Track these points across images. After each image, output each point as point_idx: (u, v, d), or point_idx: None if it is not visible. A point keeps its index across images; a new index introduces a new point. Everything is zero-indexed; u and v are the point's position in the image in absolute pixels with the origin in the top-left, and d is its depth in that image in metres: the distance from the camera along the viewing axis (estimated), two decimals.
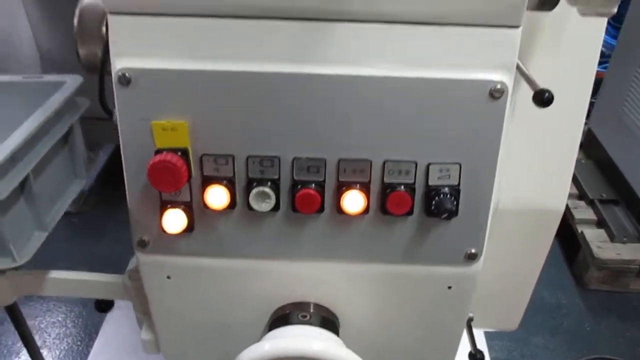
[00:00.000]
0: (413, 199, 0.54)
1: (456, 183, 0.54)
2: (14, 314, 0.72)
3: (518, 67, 0.61)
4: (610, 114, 1.79)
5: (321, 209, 0.54)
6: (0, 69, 1.77)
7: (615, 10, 0.54)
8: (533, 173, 0.73)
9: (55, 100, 0.60)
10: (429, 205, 0.54)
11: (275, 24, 0.50)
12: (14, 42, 1.70)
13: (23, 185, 0.56)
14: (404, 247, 0.57)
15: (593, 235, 1.60)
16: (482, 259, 0.58)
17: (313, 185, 0.54)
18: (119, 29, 0.50)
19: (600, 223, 1.65)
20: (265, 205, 0.54)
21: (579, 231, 1.63)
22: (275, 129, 0.52)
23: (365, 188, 0.54)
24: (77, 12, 0.62)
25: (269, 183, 0.54)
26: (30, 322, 1.45)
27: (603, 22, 0.67)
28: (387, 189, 0.54)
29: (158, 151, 0.53)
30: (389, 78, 0.50)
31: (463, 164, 0.53)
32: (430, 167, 0.53)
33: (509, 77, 0.51)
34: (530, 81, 0.58)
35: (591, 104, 1.96)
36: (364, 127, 0.52)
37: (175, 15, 0.49)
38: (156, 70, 0.51)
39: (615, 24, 1.99)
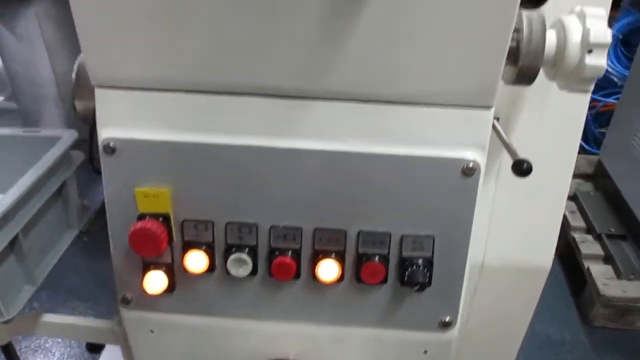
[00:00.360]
0: (387, 269, 0.55)
1: (429, 255, 0.55)
2: (9, 353, 0.74)
3: (498, 135, 0.62)
4: (620, 146, 1.77)
5: (297, 276, 0.56)
6: (17, 90, 1.83)
7: (591, 88, 0.55)
8: (519, 230, 0.73)
9: (50, 158, 0.62)
10: (402, 276, 0.55)
11: (254, 100, 0.51)
12: (30, 65, 1.75)
13: (13, 242, 0.58)
14: (378, 314, 0.58)
15: (599, 272, 1.58)
16: (457, 325, 0.59)
17: (289, 252, 0.55)
18: (105, 101, 0.53)
19: (607, 259, 1.63)
20: (243, 271, 0.56)
21: (586, 267, 1.61)
22: (253, 199, 0.54)
23: (340, 257, 0.55)
24: (75, 66, 0.64)
25: (247, 249, 0.55)
26: (35, 342, 1.49)
27: None
28: (361, 259, 0.55)
29: (141, 216, 0.55)
30: (363, 154, 0.52)
31: (436, 236, 0.54)
32: (404, 238, 0.54)
33: (481, 155, 0.52)
34: (510, 150, 0.59)
35: (602, 135, 1.95)
36: (339, 199, 0.53)
37: (158, 90, 0.52)
38: (139, 140, 0.53)
39: (627, 54, 1.97)
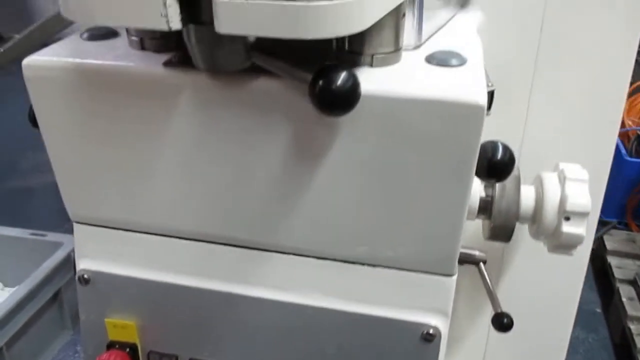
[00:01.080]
0: None
1: None
2: None
3: (483, 280, 0.59)
4: None
5: None
6: None
7: (573, 253, 0.51)
8: None
9: (47, 267, 0.66)
10: None
11: (218, 248, 0.52)
12: None
13: None
14: None
15: None
16: None
17: None
18: (81, 235, 0.55)
19: None
20: None
21: None
22: (214, 338, 0.54)
23: None
24: None
25: None
26: None
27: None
28: None
29: (111, 344, 0.57)
30: (320, 308, 0.51)
31: None
32: None
33: (443, 322, 0.49)
34: (492, 299, 0.56)
35: None
36: (296, 348, 0.52)
37: (130, 231, 0.54)
38: (111, 275, 0.55)
39: None
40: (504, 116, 0.60)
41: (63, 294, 0.70)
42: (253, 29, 0.34)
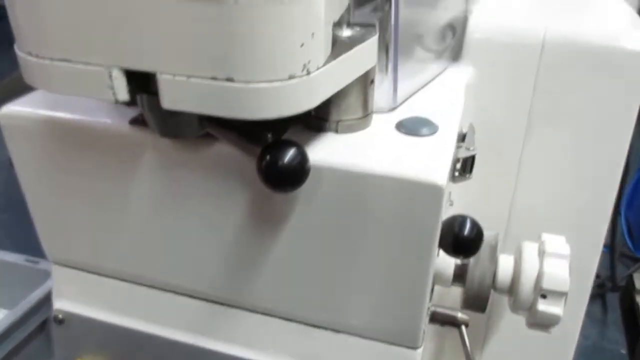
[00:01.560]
0: None
1: None
2: None
3: (463, 343, 0.57)
4: None
5: None
6: None
7: (550, 332, 0.48)
8: None
9: (35, 297, 0.67)
10: None
11: (187, 300, 0.51)
12: None
13: None
14: None
15: None
16: None
17: None
18: (59, 276, 0.56)
19: None
20: None
21: None
22: None
23: None
24: None
25: None
26: None
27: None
28: None
29: None
30: None
31: None
32: None
33: None
34: None
35: None
36: None
37: (103, 276, 0.54)
38: (83, 317, 0.55)
39: None
40: (493, 176, 0.58)
41: (50, 324, 0.71)
42: (195, 107, 0.33)
